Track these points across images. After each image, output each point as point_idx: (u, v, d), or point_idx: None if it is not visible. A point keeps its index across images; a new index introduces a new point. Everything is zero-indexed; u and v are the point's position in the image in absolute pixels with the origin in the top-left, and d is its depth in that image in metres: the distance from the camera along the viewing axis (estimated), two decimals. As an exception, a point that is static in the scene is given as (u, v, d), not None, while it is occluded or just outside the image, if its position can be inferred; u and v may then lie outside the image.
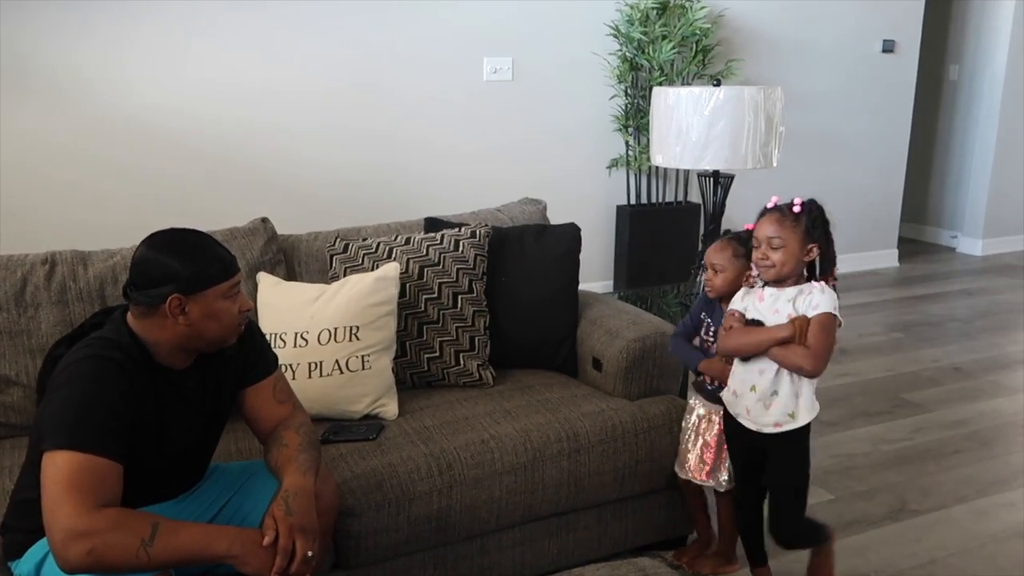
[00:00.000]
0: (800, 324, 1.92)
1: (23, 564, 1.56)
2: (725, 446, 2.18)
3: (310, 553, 1.51)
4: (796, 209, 1.95)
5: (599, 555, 2.28)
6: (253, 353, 1.78)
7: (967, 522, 2.64)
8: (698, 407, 2.25)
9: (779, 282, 1.97)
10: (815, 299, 1.93)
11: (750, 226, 2.19)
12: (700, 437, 2.23)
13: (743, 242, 2.15)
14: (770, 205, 2.00)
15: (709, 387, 2.20)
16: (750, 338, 1.98)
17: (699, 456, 2.23)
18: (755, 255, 1.97)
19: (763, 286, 2.01)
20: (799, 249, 1.94)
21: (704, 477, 2.23)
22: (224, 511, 1.73)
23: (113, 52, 3.63)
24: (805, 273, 1.98)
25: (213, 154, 3.89)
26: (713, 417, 2.21)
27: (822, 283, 1.96)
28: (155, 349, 1.61)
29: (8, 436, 2.12)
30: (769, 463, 2.07)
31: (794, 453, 2.05)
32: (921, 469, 2.99)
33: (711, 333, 2.21)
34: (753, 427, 2.02)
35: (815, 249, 1.96)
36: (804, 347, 1.90)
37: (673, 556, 2.38)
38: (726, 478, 2.21)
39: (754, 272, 2.02)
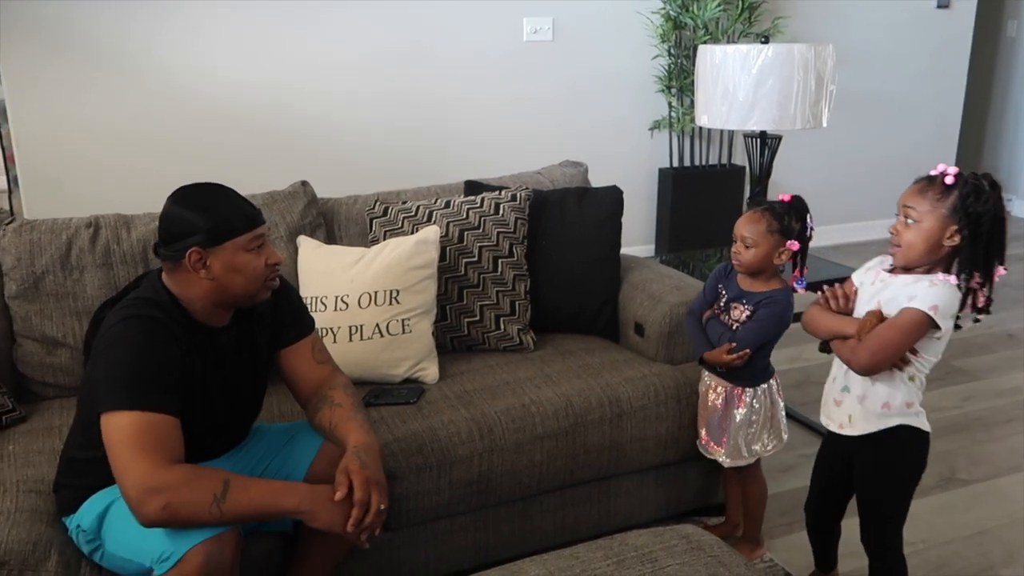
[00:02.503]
0: (869, 321, 1.64)
1: (80, 517, 1.60)
2: (730, 420, 2.11)
3: (383, 506, 1.54)
4: (948, 180, 1.58)
5: (641, 520, 2.28)
6: (289, 314, 1.78)
7: (1017, 493, 2.58)
8: (704, 378, 2.18)
9: (907, 268, 1.66)
10: (916, 290, 1.60)
11: (785, 197, 2.02)
12: (704, 408, 2.17)
13: (778, 215, 1.98)
14: (934, 173, 1.63)
15: (719, 370, 2.11)
16: (817, 322, 1.74)
17: (705, 427, 2.17)
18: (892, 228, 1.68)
19: (891, 268, 1.71)
20: (938, 230, 1.59)
21: (712, 449, 2.16)
22: (267, 472, 1.75)
23: (157, 22, 3.63)
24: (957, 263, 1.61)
25: (252, 119, 3.89)
26: (719, 388, 2.12)
27: (949, 278, 1.60)
28: (190, 306, 1.61)
29: (57, 396, 2.16)
30: (855, 468, 1.83)
31: (876, 462, 1.76)
32: (971, 438, 2.92)
33: (723, 304, 2.11)
34: (824, 420, 1.84)
35: (958, 234, 1.58)
36: (856, 340, 1.64)
37: None
38: (726, 453, 2.13)
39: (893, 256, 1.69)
